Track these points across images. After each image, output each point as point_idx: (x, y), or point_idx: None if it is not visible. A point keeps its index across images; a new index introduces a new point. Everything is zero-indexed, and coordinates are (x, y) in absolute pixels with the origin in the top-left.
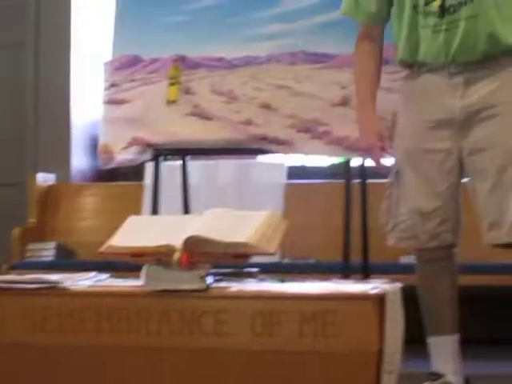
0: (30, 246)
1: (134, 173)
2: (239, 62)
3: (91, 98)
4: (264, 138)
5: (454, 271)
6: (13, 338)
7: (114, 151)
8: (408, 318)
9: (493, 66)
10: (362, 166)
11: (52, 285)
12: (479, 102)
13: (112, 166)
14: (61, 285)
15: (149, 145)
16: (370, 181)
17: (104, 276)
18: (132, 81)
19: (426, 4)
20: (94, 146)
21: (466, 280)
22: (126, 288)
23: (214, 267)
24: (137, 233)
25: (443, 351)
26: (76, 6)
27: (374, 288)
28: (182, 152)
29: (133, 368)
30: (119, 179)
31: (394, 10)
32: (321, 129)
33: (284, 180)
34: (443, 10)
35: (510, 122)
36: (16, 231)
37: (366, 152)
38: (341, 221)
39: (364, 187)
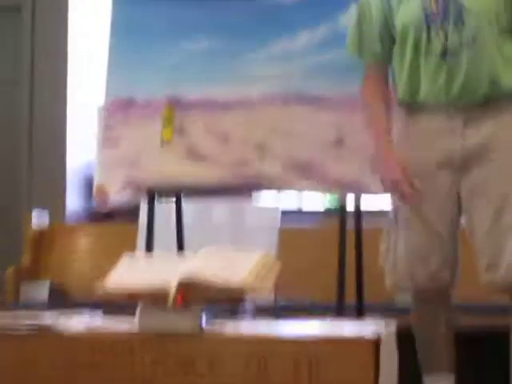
0: (24, 285)
1: (128, 213)
2: (233, 103)
3: (86, 138)
4: (258, 179)
5: (450, 311)
6: (7, 378)
7: (109, 192)
8: (402, 359)
9: (492, 108)
10: (357, 206)
11: (46, 325)
12: (478, 143)
13: (107, 207)
14: (54, 328)
15: (143, 186)
16: (364, 224)
17: (97, 317)
18: (126, 122)
19: (429, 44)
20: (88, 186)
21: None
22: (119, 328)
23: (209, 308)
24: (131, 273)
25: None
26: (72, 46)
27: (368, 330)
28: (176, 193)
29: None
30: (114, 220)
31: (395, 49)
32: (315, 169)
33: (278, 224)
34: (445, 52)
35: (508, 165)
36: (10, 270)
37: (391, 188)
38: (335, 263)
39: (359, 227)
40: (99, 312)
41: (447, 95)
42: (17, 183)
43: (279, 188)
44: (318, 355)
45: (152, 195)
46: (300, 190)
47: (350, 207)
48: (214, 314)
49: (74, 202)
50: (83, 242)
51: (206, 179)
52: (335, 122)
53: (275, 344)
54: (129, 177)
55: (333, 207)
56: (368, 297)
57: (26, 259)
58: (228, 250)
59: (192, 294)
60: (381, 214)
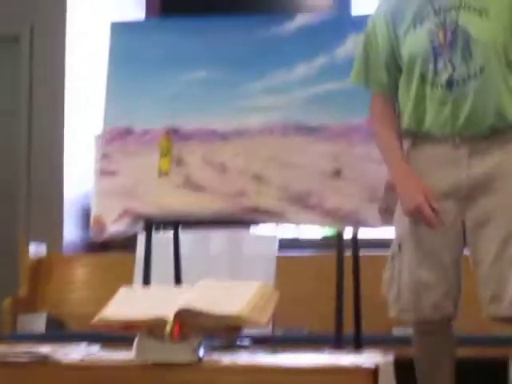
0: (21, 317)
1: (125, 244)
2: (231, 134)
3: (83, 169)
4: (256, 210)
5: (452, 343)
6: None
7: (106, 222)
8: None
9: (498, 138)
10: (354, 237)
11: (43, 357)
12: (484, 174)
13: (104, 237)
14: (51, 357)
15: (140, 216)
16: (362, 252)
17: (95, 348)
18: (123, 152)
19: (435, 75)
20: (85, 216)
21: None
22: (117, 360)
23: (206, 339)
24: (128, 304)
25: None
26: (69, 76)
27: (366, 360)
28: (174, 223)
29: None
30: (111, 250)
31: (402, 78)
32: (313, 200)
33: (276, 253)
34: (452, 83)
35: None
36: (7, 302)
37: (414, 212)
38: (333, 292)
39: (356, 258)
40: (97, 343)
41: (453, 126)
42: (14, 213)
43: (277, 222)
44: None
45: (149, 226)
46: (297, 223)
47: (348, 235)
48: (212, 345)
49: (71, 232)
50: (80, 273)
51: (204, 210)
52: (333, 153)
53: (273, 374)
54: (126, 207)
55: (330, 235)
56: (366, 326)
57: (23, 290)
58: (226, 282)
59: (190, 324)
60: (378, 241)
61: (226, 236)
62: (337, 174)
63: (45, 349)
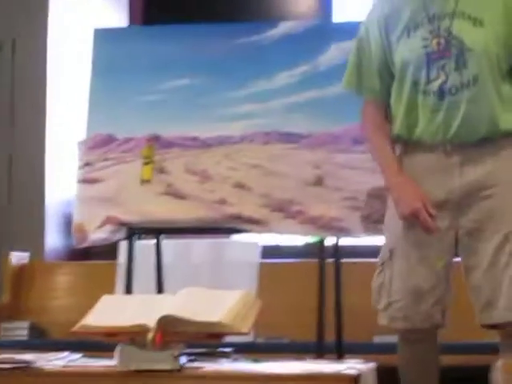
0: (3, 325)
1: (107, 252)
2: (213, 142)
3: (65, 176)
4: (238, 218)
5: (437, 351)
6: None
7: (88, 230)
8: None
9: (490, 146)
10: (335, 245)
11: (25, 365)
12: (477, 181)
13: (86, 245)
14: (34, 365)
15: (122, 224)
16: (343, 260)
17: (77, 356)
18: (106, 160)
19: (428, 83)
20: (67, 224)
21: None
22: (99, 368)
23: (188, 347)
24: (111, 312)
25: None
26: (51, 84)
27: (347, 368)
28: (156, 231)
29: None
30: (93, 258)
31: (394, 85)
32: (294, 208)
33: (258, 259)
34: (444, 91)
35: (507, 201)
36: None
37: (410, 217)
38: (315, 300)
39: (338, 266)
40: (79, 351)
41: (445, 134)
42: None
43: (259, 231)
44: None
45: (131, 233)
46: (279, 232)
47: (330, 243)
48: (194, 353)
49: (53, 239)
50: (63, 280)
51: (186, 218)
52: (315, 161)
53: (255, 383)
54: (108, 214)
55: (312, 242)
56: (347, 334)
57: (5, 298)
58: (208, 290)
59: (171, 332)
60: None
61: (208, 243)
62: (318, 181)
63: (27, 356)
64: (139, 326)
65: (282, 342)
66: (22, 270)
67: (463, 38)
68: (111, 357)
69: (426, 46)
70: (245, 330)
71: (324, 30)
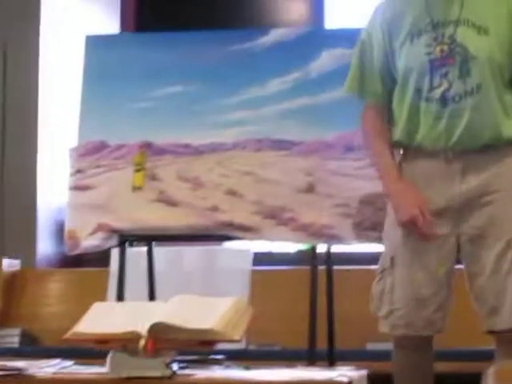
0: None
1: (99, 259)
2: (205, 149)
3: (57, 183)
4: (230, 225)
5: (432, 358)
6: None
7: (80, 237)
8: None
9: (492, 153)
10: (327, 252)
11: (17, 372)
12: (478, 188)
13: (77, 252)
14: (25, 372)
15: (114, 231)
16: (335, 267)
17: (68, 363)
18: (98, 167)
19: (431, 90)
20: (59, 231)
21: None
22: (90, 375)
23: (180, 354)
24: (102, 319)
25: None
26: (43, 90)
27: (339, 376)
28: (148, 238)
29: None
30: (85, 265)
31: (396, 90)
32: (286, 215)
33: (250, 266)
34: (447, 98)
35: (509, 207)
36: None
37: (408, 224)
38: (306, 307)
39: (330, 273)
40: (71, 358)
41: (447, 142)
42: None
43: (251, 238)
44: None
45: (123, 241)
46: (271, 240)
47: (322, 250)
48: (185, 360)
49: (45, 246)
50: (54, 288)
51: (178, 225)
52: (307, 168)
53: None
54: (100, 222)
55: (304, 249)
56: (339, 342)
57: None
58: (200, 297)
59: (163, 339)
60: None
61: (200, 251)
62: (310, 189)
63: (19, 363)
64: (131, 333)
65: (273, 349)
66: (13, 277)
67: (467, 46)
68: (103, 364)
69: (429, 53)
70: (236, 337)
71: (316, 37)
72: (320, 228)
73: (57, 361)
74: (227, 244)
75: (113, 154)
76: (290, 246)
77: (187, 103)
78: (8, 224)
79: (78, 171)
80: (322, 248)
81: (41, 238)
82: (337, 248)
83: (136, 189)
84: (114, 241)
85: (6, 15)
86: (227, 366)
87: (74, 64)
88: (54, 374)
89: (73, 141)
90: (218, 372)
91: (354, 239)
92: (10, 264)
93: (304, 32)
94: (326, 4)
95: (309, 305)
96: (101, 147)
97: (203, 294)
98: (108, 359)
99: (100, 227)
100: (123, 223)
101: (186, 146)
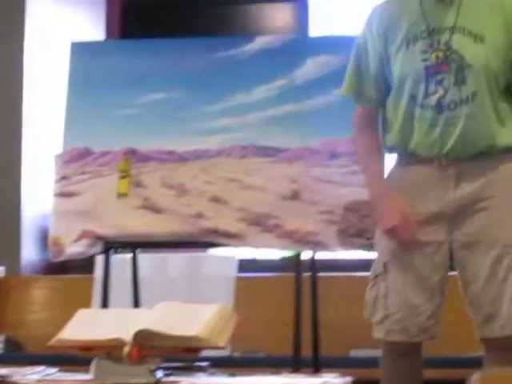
0: None
1: (84, 265)
2: (190, 156)
3: (42, 190)
4: (215, 231)
5: (422, 365)
6: None
7: (64, 244)
8: None
9: (486, 160)
10: (312, 259)
11: (0, 379)
12: (472, 194)
13: (62, 258)
14: (9, 379)
15: (99, 237)
16: (320, 274)
17: (53, 370)
18: (82, 173)
19: (426, 97)
20: (44, 238)
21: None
22: (75, 382)
23: (165, 361)
24: (87, 326)
25: None
26: (27, 97)
27: (324, 382)
28: (133, 245)
29: None
30: (69, 272)
31: (391, 95)
32: (271, 222)
33: (234, 273)
34: (442, 105)
35: (503, 214)
36: None
37: (390, 233)
38: (291, 314)
39: (314, 280)
40: (55, 365)
41: (441, 149)
42: None
43: (236, 245)
44: None
45: (108, 247)
46: (256, 247)
47: (306, 257)
48: (170, 367)
49: (29, 253)
50: (39, 294)
51: (163, 232)
52: (291, 175)
53: None
54: (85, 228)
55: (289, 256)
56: (324, 349)
57: None
58: (185, 304)
59: (148, 346)
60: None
61: (185, 257)
62: (295, 195)
63: (2, 370)
64: (115, 340)
65: (258, 356)
66: None
67: (463, 54)
68: (87, 371)
69: (425, 60)
70: (221, 344)
71: (300, 45)
72: (305, 235)
73: (41, 368)
74: (212, 251)
75: (98, 161)
76: (275, 253)
77: (172, 110)
78: None
79: (63, 178)
80: (306, 255)
81: (25, 245)
82: (321, 255)
83: (121, 195)
84: (99, 248)
85: None
86: (212, 373)
87: (59, 71)
88: (38, 381)
89: (58, 147)
90: (202, 379)
91: (339, 246)
92: None
93: (289, 39)
94: (310, 12)
95: (293, 312)
96: (86, 154)
97: (188, 301)
98: (92, 366)
99: (85, 234)
100: (108, 230)
101: (171, 152)
